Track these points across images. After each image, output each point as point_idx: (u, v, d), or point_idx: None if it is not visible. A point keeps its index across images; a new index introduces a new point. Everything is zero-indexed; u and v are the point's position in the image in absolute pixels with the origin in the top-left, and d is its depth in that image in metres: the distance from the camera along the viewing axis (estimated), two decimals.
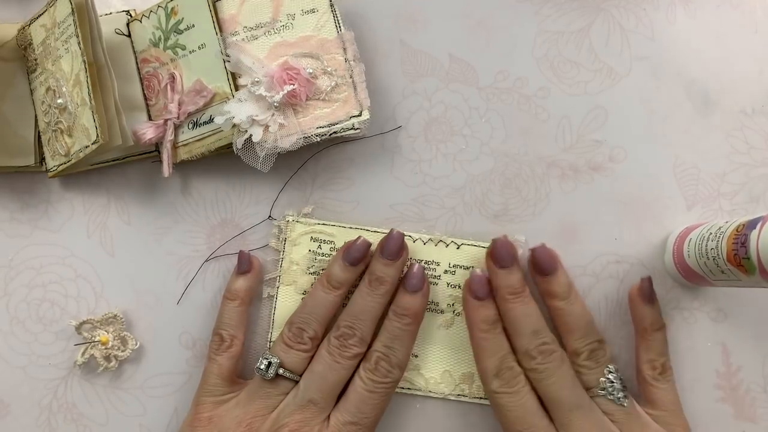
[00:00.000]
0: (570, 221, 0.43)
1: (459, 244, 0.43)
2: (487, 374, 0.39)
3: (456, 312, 0.42)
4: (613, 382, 0.39)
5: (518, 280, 0.40)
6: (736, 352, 0.42)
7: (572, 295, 0.40)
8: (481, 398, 0.42)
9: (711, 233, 0.37)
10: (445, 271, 0.42)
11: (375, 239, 0.42)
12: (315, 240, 0.43)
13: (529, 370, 0.39)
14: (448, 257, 0.42)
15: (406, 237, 0.42)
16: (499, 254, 0.40)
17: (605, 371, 0.39)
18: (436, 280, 0.42)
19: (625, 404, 0.38)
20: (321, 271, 0.42)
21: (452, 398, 0.42)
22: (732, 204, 0.43)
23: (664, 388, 0.39)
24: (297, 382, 0.39)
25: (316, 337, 0.40)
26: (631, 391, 0.40)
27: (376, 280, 0.40)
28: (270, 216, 0.43)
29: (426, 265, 0.42)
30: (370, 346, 0.40)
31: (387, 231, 0.42)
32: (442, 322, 0.42)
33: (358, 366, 0.40)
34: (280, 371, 0.39)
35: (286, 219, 0.43)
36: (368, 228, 0.43)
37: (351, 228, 0.43)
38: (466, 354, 0.42)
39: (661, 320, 0.41)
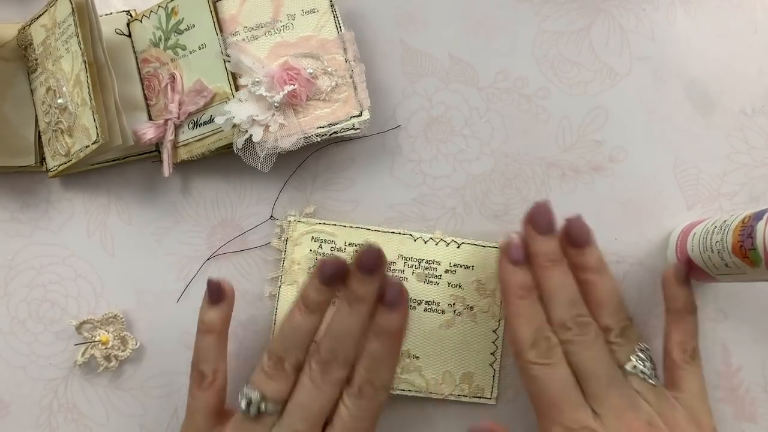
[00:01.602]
0: None
1: (459, 243, 0.43)
2: (523, 343, 0.37)
3: (457, 312, 0.42)
4: (644, 360, 0.37)
5: (557, 248, 0.38)
6: (736, 352, 0.42)
7: (605, 269, 0.38)
8: (479, 397, 0.42)
9: (716, 226, 0.37)
10: (446, 271, 0.42)
11: (375, 238, 0.42)
12: (316, 240, 0.43)
13: (564, 342, 0.37)
14: (449, 257, 0.42)
15: (406, 236, 0.42)
16: (540, 219, 0.38)
17: (636, 349, 0.37)
18: (436, 280, 0.42)
19: (656, 384, 0.37)
20: None
21: (452, 398, 0.42)
22: (732, 204, 0.43)
23: (693, 371, 0.38)
24: (281, 412, 0.37)
25: (298, 364, 0.37)
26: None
27: (354, 298, 0.36)
28: (272, 216, 0.43)
29: (426, 265, 0.42)
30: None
31: (388, 230, 0.42)
32: (443, 323, 0.42)
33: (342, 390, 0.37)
34: (262, 406, 0.36)
35: (288, 219, 0.43)
36: (369, 227, 0.43)
37: (352, 227, 0.43)
38: (467, 354, 0.42)
39: (695, 303, 0.39)
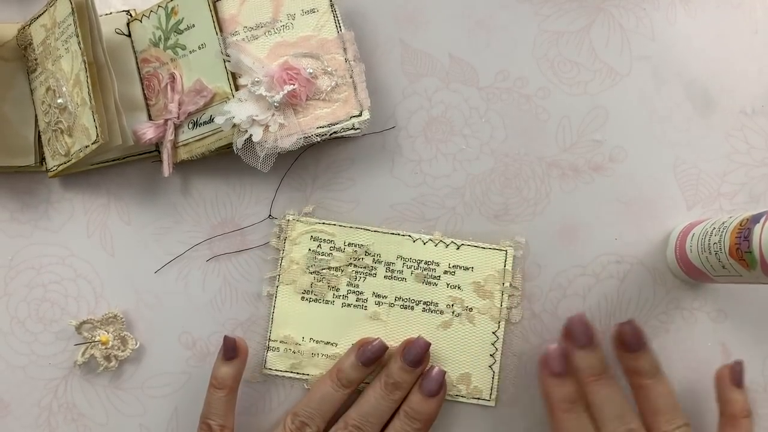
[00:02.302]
0: (570, 221, 0.43)
1: (459, 244, 0.43)
2: None
3: (455, 313, 0.42)
4: None
5: (599, 361, 0.37)
6: (736, 352, 0.42)
7: (659, 373, 0.38)
8: (477, 398, 0.42)
9: (714, 228, 0.37)
10: (445, 272, 0.42)
11: (375, 239, 0.42)
12: (315, 239, 0.43)
13: None
14: (448, 258, 0.42)
15: (405, 237, 0.42)
16: (577, 333, 0.37)
17: None
18: (435, 281, 0.42)
19: None
20: (321, 271, 0.42)
21: (449, 399, 0.42)
22: (732, 204, 0.43)
23: None
24: None
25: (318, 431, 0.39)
26: None
27: (393, 384, 0.39)
28: (270, 215, 0.43)
29: (425, 266, 0.42)
30: None
31: (387, 231, 0.42)
32: (441, 323, 0.42)
33: None
34: None
35: (287, 218, 0.43)
36: (368, 228, 0.43)
37: (351, 227, 0.43)
38: (463, 355, 0.42)
39: (749, 406, 0.38)
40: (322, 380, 0.40)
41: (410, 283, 0.42)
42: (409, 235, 0.43)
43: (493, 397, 0.42)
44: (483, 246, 0.42)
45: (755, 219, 0.34)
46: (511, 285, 0.42)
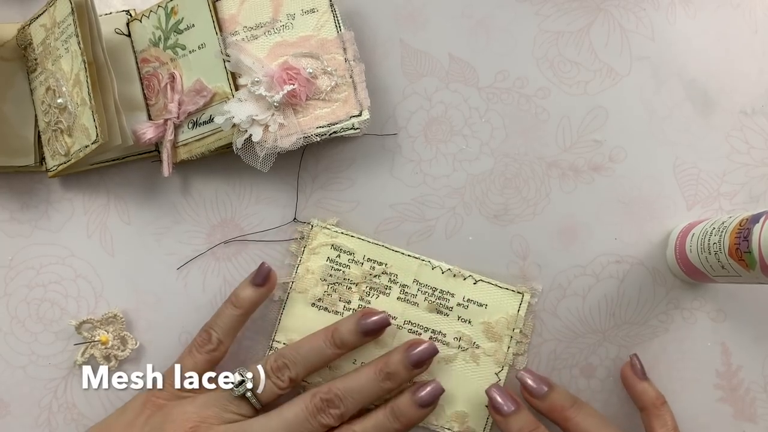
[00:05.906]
0: (570, 221, 0.43)
1: (476, 279, 0.42)
2: None
3: (461, 348, 0.42)
4: None
5: (528, 418, 0.38)
6: (736, 352, 0.42)
7: (578, 401, 0.39)
8: None
9: (714, 228, 0.37)
10: (458, 304, 0.42)
11: (395, 260, 0.42)
12: (336, 248, 0.42)
13: None
14: (464, 291, 0.42)
15: (425, 262, 0.42)
16: (500, 402, 0.39)
17: None
18: (447, 311, 0.42)
19: None
20: (336, 284, 0.42)
21: (440, 431, 0.41)
22: (732, 204, 0.43)
23: None
24: (256, 409, 0.38)
25: (296, 381, 0.39)
26: None
27: (388, 374, 0.38)
28: (295, 218, 0.43)
29: (440, 294, 0.42)
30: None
31: (407, 253, 0.42)
32: (444, 357, 0.41)
33: None
34: (248, 395, 0.38)
35: (311, 225, 0.43)
36: (390, 247, 0.42)
37: (374, 244, 0.42)
38: (462, 392, 0.41)
39: (662, 393, 0.40)
40: (316, 333, 0.40)
41: (422, 309, 0.42)
42: (429, 261, 0.42)
43: None
44: (500, 285, 0.42)
45: (755, 219, 0.34)
46: (521, 332, 0.42)
